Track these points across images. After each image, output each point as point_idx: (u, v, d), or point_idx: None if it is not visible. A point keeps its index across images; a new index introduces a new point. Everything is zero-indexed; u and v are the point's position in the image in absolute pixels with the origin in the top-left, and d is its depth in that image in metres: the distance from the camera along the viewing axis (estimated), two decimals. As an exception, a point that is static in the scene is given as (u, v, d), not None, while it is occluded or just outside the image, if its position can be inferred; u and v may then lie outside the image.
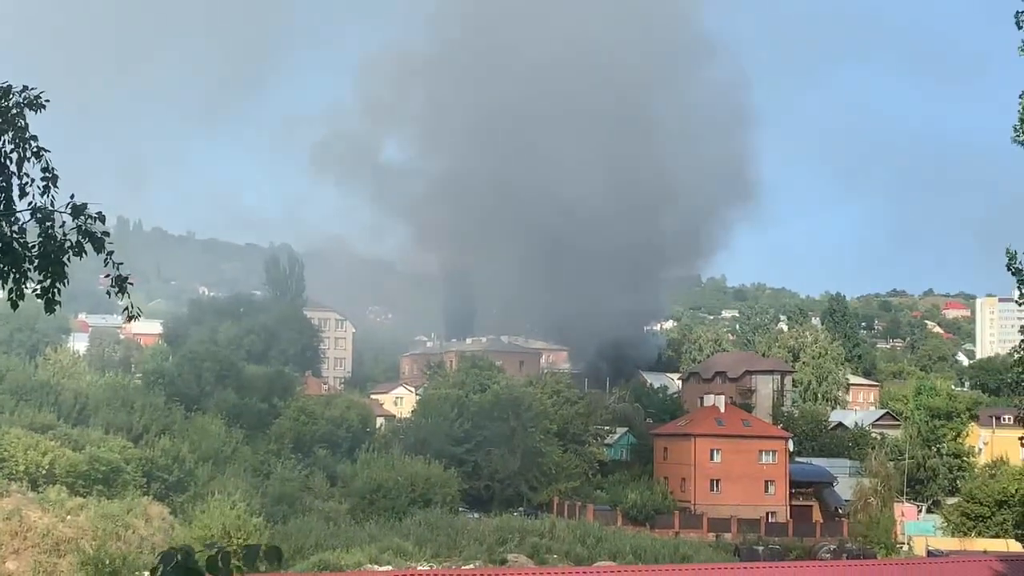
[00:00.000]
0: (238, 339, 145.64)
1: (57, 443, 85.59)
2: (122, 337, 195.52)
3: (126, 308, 10.09)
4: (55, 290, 9.74)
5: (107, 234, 9.61)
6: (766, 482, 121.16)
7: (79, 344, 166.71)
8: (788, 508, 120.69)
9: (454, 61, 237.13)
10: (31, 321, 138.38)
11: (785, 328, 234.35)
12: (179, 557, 7.54)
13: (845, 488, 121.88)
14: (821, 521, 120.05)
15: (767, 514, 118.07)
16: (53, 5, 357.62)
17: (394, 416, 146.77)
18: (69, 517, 73.99)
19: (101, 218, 9.50)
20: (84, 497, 79.21)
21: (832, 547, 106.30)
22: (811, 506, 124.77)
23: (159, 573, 7.78)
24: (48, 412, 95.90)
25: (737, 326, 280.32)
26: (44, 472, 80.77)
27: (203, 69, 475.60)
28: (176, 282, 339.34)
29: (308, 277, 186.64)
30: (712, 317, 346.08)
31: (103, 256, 9.54)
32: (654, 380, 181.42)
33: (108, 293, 9.86)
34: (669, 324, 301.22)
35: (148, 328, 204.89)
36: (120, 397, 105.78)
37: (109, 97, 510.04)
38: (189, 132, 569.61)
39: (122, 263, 9.73)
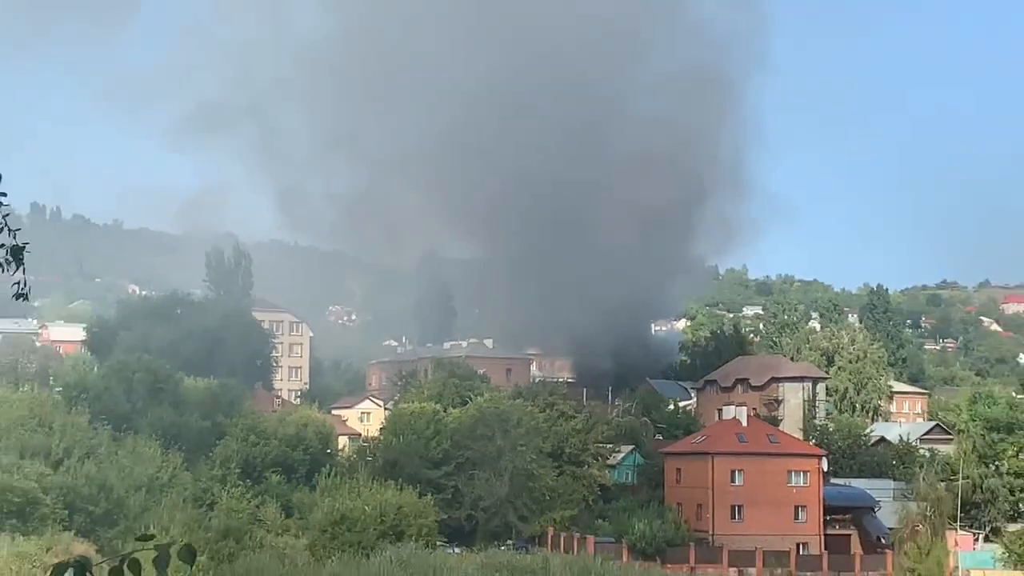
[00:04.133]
0: (175, 346, 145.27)
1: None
2: (38, 345, 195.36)
3: (16, 283, 10.05)
4: None
5: (3, 194, 9.60)
6: (796, 508, 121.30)
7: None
8: (822, 538, 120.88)
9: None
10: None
11: (817, 327, 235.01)
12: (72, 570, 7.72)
13: (889, 514, 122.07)
14: (861, 553, 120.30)
15: (798, 545, 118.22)
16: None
17: (360, 435, 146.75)
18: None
19: None
20: (-5, 534, 78.86)
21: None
22: (849, 535, 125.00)
23: None
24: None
25: (761, 325, 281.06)
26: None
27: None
28: (101, 279, 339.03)
29: (257, 272, 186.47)
30: (732, 315, 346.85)
31: None
32: (664, 390, 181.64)
33: (1, 267, 9.83)
34: (682, 323, 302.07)
35: (69, 334, 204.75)
36: (36, 416, 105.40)
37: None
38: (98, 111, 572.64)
39: (19, 229, 9.70)
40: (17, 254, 9.70)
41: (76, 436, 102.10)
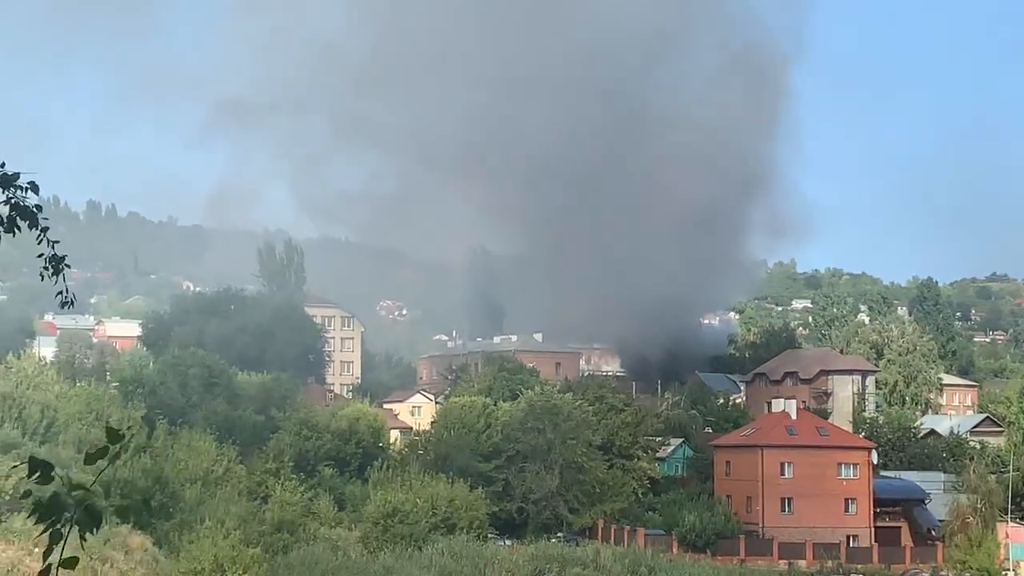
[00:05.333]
0: (229, 341, 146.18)
1: (22, 464, 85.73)
2: (95, 340, 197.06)
3: (60, 292, 10.31)
4: None
5: (39, 207, 9.81)
6: (846, 500, 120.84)
7: (46, 349, 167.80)
8: (872, 530, 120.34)
9: None
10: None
11: (866, 320, 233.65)
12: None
13: (939, 506, 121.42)
14: (911, 545, 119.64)
15: (848, 537, 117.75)
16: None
17: (411, 429, 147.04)
18: (37, 550, 74.33)
19: (34, 188, 9.66)
20: (54, 526, 79.45)
21: (925, 574, 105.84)
22: (899, 527, 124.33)
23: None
24: (11, 428, 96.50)
25: (810, 318, 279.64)
26: (7, 498, 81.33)
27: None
28: (156, 275, 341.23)
29: (308, 268, 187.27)
30: (780, 308, 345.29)
31: (36, 234, 9.77)
32: (713, 383, 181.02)
33: (41, 276, 10.13)
34: (731, 316, 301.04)
35: (125, 329, 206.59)
36: (94, 410, 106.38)
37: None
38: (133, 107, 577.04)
39: (58, 242, 9.97)
40: (56, 264, 9.95)
41: (132, 430, 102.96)
